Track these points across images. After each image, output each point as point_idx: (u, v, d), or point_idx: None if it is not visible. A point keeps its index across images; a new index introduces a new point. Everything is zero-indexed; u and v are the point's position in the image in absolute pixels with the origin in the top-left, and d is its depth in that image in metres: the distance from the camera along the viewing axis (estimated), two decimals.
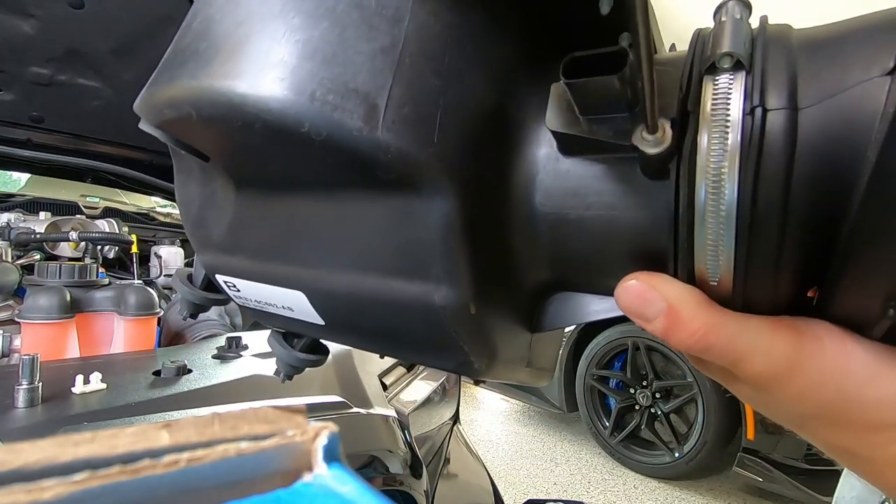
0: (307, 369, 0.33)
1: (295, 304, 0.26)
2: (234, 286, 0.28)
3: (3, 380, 0.52)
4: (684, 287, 0.19)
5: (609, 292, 0.22)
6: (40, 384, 0.49)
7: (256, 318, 0.30)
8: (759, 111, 0.16)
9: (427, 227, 0.20)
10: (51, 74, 1.00)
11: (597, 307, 0.24)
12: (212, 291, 0.34)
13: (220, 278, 0.28)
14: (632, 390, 2.66)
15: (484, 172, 0.21)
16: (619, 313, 0.22)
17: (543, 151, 0.21)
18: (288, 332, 0.32)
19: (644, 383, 2.61)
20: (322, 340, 0.33)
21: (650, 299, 0.19)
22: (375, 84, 0.18)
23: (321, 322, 0.26)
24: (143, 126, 0.23)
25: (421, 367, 0.96)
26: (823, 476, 2.02)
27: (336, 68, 0.18)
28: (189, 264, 1.28)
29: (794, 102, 0.16)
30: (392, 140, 0.18)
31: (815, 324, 0.18)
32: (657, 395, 2.56)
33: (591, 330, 2.76)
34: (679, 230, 0.18)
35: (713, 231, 0.17)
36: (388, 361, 0.86)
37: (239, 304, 0.30)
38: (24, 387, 0.48)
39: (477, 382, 0.28)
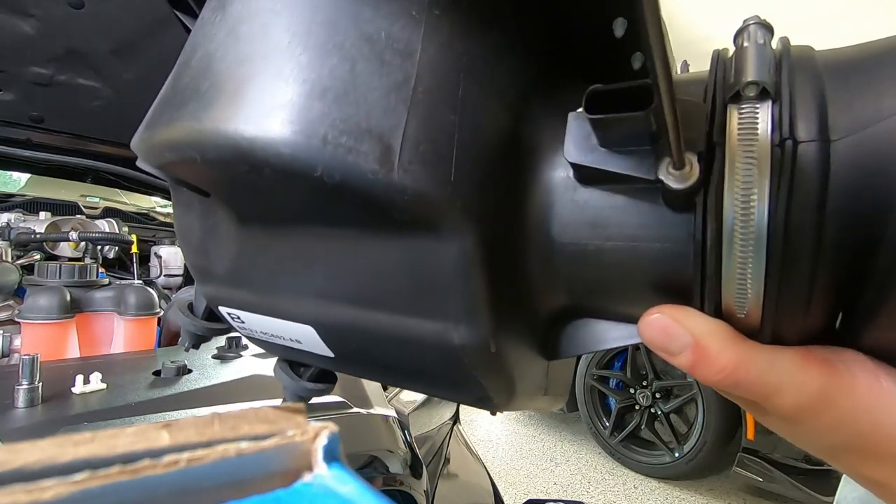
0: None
1: (303, 337, 0.25)
2: (239, 318, 0.27)
3: (3, 380, 0.52)
4: (711, 321, 0.18)
5: (630, 320, 0.22)
6: (40, 384, 0.49)
7: (262, 348, 0.29)
8: (789, 143, 0.15)
9: (444, 266, 0.19)
10: (51, 74, 1.00)
11: (615, 333, 0.23)
12: (214, 321, 0.33)
13: (223, 310, 0.28)
14: (632, 390, 2.66)
15: (500, 206, 0.20)
16: (639, 340, 0.21)
17: (560, 180, 0.21)
18: (295, 361, 0.31)
19: (644, 383, 2.61)
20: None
21: (675, 334, 0.19)
22: (389, 123, 0.17)
23: (331, 355, 0.25)
24: (140, 164, 0.22)
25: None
26: (823, 476, 2.02)
27: (348, 108, 0.17)
28: None
29: (825, 134, 0.15)
30: (409, 182, 0.17)
31: (845, 355, 0.18)
32: (657, 395, 2.56)
33: None
34: (706, 262, 0.18)
35: (742, 264, 0.16)
36: None
37: (244, 336, 0.29)
38: (24, 387, 0.48)
39: (493, 413, 0.27)
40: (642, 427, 2.62)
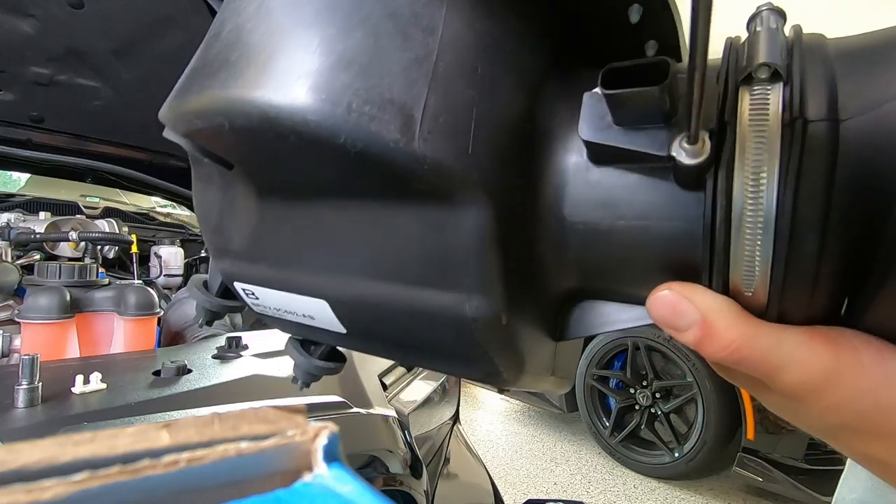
0: None
1: (316, 312, 0.25)
2: (253, 294, 0.28)
3: (3, 380, 0.52)
4: (719, 298, 0.19)
5: (637, 301, 0.22)
6: (40, 384, 0.49)
7: (274, 325, 0.30)
8: (799, 122, 0.16)
9: (459, 237, 0.20)
10: (51, 74, 1.00)
11: (624, 315, 0.23)
12: (228, 298, 0.33)
13: (238, 286, 0.28)
14: (632, 390, 2.66)
15: (515, 182, 0.20)
16: (647, 321, 0.22)
17: (573, 160, 0.21)
18: (306, 339, 0.32)
19: (644, 383, 2.61)
20: (340, 348, 0.33)
21: (683, 310, 0.19)
22: (411, 95, 0.18)
23: (343, 330, 0.25)
24: (167, 134, 0.23)
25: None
26: (823, 476, 2.02)
27: (372, 79, 0.18)
28: (189, 265, 1.28)
29: (834, 114, 0.16)
30: (428, 151, 0.18)
31: (850, 334, 0.18)
32: (657, 395, 2.56)
33: None
34: (715, 240, 0.18)
35: (750, 242, 0.17)
36: (389, 361, 0.86)
37: (257, 313, 0.29)
38: (24, 387, 0.48)
39: (501, 391, 0.28)
40: (642, 427, 2.62)
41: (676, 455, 2.47)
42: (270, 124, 0.18)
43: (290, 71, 0.18)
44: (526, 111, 0.21)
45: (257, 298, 0.28)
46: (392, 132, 0.18)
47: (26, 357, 0.48)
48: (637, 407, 2.64)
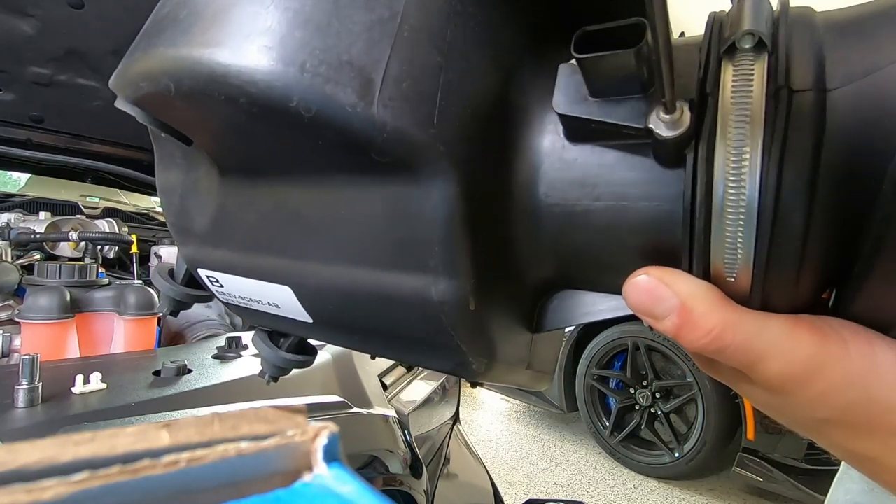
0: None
1: (281, 300, 0.24)
2: (217, 281, 0.27)
3: (3, 380, 0.52)
4: (698, 283, 0.18)
5: (616, 290, 0.21)
6: (40, 384, 0.49)
7: (240, 315, 0.29)
8: (784, 92, 0.15)
9: (425, 214, 0.18)
10: (51, 74, 1.00)
11: (602, 306, 0.22)
12: (194, 287, 0.32)
13: (202, 273, 0.27)
14: (632, 390, 2.66)
15: (486, 159, 0.19)
16: (627, 312, 0.21)
17: (548, 139, 0.20)
18: (274, 331, 0.31)
19: (644, 383, 2.61)
20: (310, 340, 0.32)
21: (661, 296, 0.18)
22: (371, 57, 0.17)
23: (309, 320, 0.24)
24: (119, 104, 0.21)
25: (421, 367, 0.96)
26: (823, 476, 2.01)
27: (329, 38, 0.17)
28: None
29: (822, 83, 0.15)
30: (389, 118, 0.17)
31: (837, 323, 0.17)
32: (657, 395, 2.56)
33: (591, 330, 2.76)
34: (695, 221, 0.17)
35: (732, 222, 0.16)
36: (389, 361, 0.86)
37: (222, 302, 0.28)
38: (24, 387, 0.48)
39: (474, 385, 0.27)
40: (642, 427, 2.62)
41: (676, 455, 2.47)
42: (218, 85, 0.17)
43: (240, 28, 0.17)
44: (498, 84, 0.20)
45: (221, 286, 0.27)
46: (349, 95, 0.16)
47: (26, 357, 0.48)
48: (637, 407, 2.64)
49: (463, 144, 0.18)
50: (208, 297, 0.32)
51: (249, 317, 0.29)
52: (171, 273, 0.33)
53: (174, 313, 0.34)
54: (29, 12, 0.86)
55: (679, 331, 0.18)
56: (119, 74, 0.21)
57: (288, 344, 0.31)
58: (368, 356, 0.80)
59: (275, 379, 0.32)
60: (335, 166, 0.19)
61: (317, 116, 0.17)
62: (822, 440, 0.20)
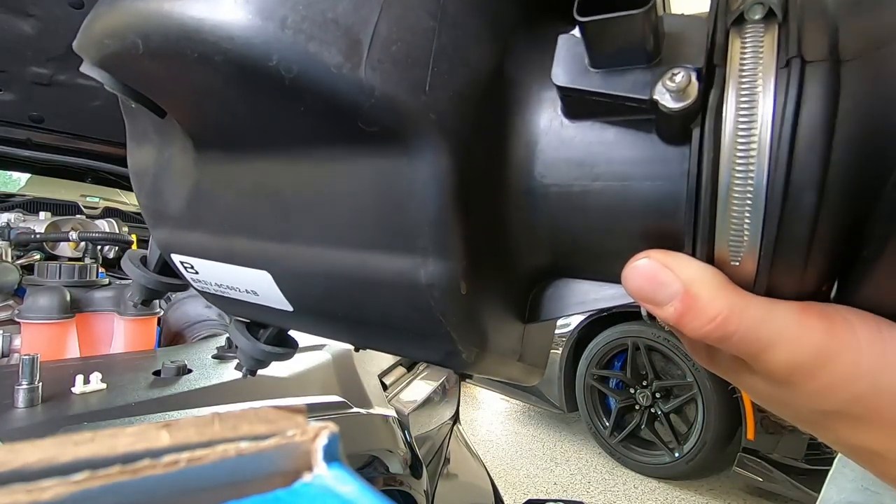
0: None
1: (260, 287, 0.23)
2: (192, 267, 0.25)
3: (3, 380, 0.52)
4: (702, 266, 0.17)
5: (614, 278, 0.20)
6: (40, 384, 0.49)
7: (217, 305, 0.27)
8: (796, 63, 0.14)
9: (414, 189, 0.17)
10: (51, 74, 1.00)
11: (598, 294, 0.21)
12: (168, 275, 0.31)
13: (176, 259, 0.25)
14: (632, 390, 2.66)
15: (479, 133, 0.18)
16: (625, 301, 0.20)
17: (545, 116, 0.19)
18: (253, 321, 0.29)
19: (644, 383, 2.61)
20: (291, 332, 0.30)
21: (663, 280, 0.17)
22: (359, 16, 0.16)
23: (289, 308, 0.23)
24: (84, 68, 0.20)
25: (421, 367, 0.95)
26: (823, 476, 2.01)
27: None
28: None
29: (835, 55, 0.14)
30: (377, 82, 0.16)
31: (846, 311, 0.17)
32: (657, 395, 2.55)
33: (591, 330, 2.76)
34: (700, 200, 0.16)
35: (739, 200, 0.15)
36: (389, 361, 0.86)
37: (197, 290, 0.27)
38: (24, 387, 0.48)
39: (463, 377, 0.26)
40: (642, 427, 2.61)
41: (676, 455, 2.47)
42: (190, 42, 0.16)
43: None
44: (493, 56, 0.19)
45: (196, 273, 0.25)
46: (334, 55, 0.15)
47: (26, 357, 0.48)
48: (637, 407, 2.64)
49: (455, 115, 0.17)
50: (182, 286, 0.30)
51: (226, 306, 0.27)
52: (144, 260, 0.31)
53: (146, 303, 0.32)
54: (29, 12, 0.86)
55: (682, 318, 0.17)
56: (83, 32, 0.19)
57: (267, 335, 0.29)
58: (369, 355, 0.80)
59: (252, 373, 0.31)
60: (318, 137, 0.18)
61: (298, 78, 0.16)
62: (826, 434, 0.19)
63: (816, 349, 0.16)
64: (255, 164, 0.21)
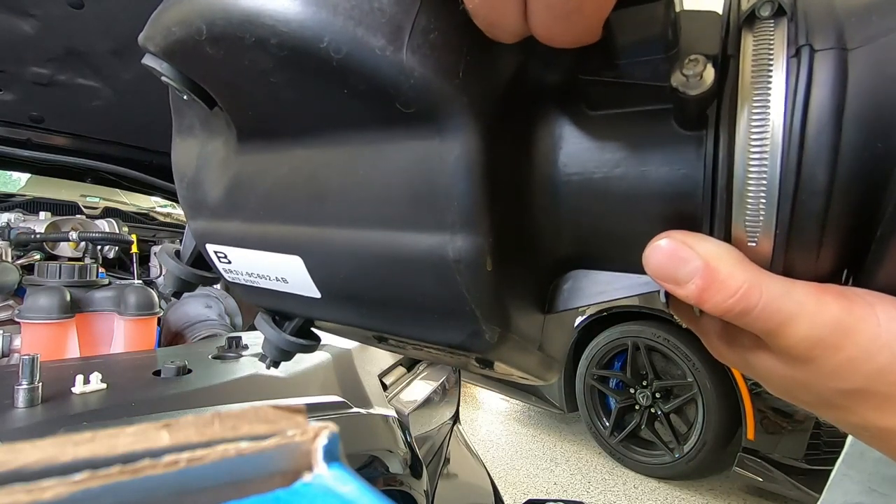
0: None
1: (290, 273, 0.24)
2: (226, 257, 0.26)
3: (3, 380, 0.52)
4: (721, 244, 0.17)
5: (633, 266, 0.21)
6: (40, 384, 0.49)
7: (247, 296, 0.28)
8: (805, 51, 0.15)
9: (445, 168, 0.19)
10: (51, 74, 1.00)
11: (618, 284, 0.22)
12: (200, 268, 0.32)
13: (210, 248, 0.27)
14: (632, 390, 2.66)
15: (507, 118, 0.19)
16: (643, 290, 0.20)
17: (570, 107, 0.20)
18: (278, 313, 0.30)
19: (644, 383, 2.61)
20: (314, 329, 0.31)
21: (684, 257, 0.17)
22: (401, 6, 0.17)
23: (317, 294, 0.24)
24: (147, 60, 0.22)
25: (421, 367, 0.96)
26: (824, 476, 2.01)
27: None
28: None
29: (842, 43, 0.15)
30: (416, 64, 0.17)
31: (863, 292, 0.17)
32: (657, 395, 2.56)
33: (591, 330, 2.76)
34: (717, 183, 0.17)
35: (755, 182, 0.16)
36: (389, 361, 0.86)
37: (228, 281, 0.28)
38: (24, 387, 0.48)
39: (483, 366, 0.26)
40: (642, 427, 2.62)
41: (676, 455, 2.47)
42: (250, 26, 0.18)
43: None
44: (522, 50, 0.20)
45: (230, 262, 0.27)
46: (378, 39, 0.17)
47: (26, 357, 0.48)
48: (637, 407, 2.64)
49: (486, 99, 0.19)
50: (214, 279, 0.31)
51: (255, 297, 0.28)
52: (178, 254, 0.33)
53: (177, 294, 0.34)
54: (29, 12, 0.86)
55: (704, 293, 0.17)
56: (151, 23, 0.21)
57: (291, 327, 0.30)
58: (369, 356, 0.80)
59: (276, 364, 0.32)
60: (356, 122, 0.20)
61: (346, 59, 0.17)
62: (843, 416, 0.19)
63: (836, 323, 0.16)
64: (293, 151, 0.22)
